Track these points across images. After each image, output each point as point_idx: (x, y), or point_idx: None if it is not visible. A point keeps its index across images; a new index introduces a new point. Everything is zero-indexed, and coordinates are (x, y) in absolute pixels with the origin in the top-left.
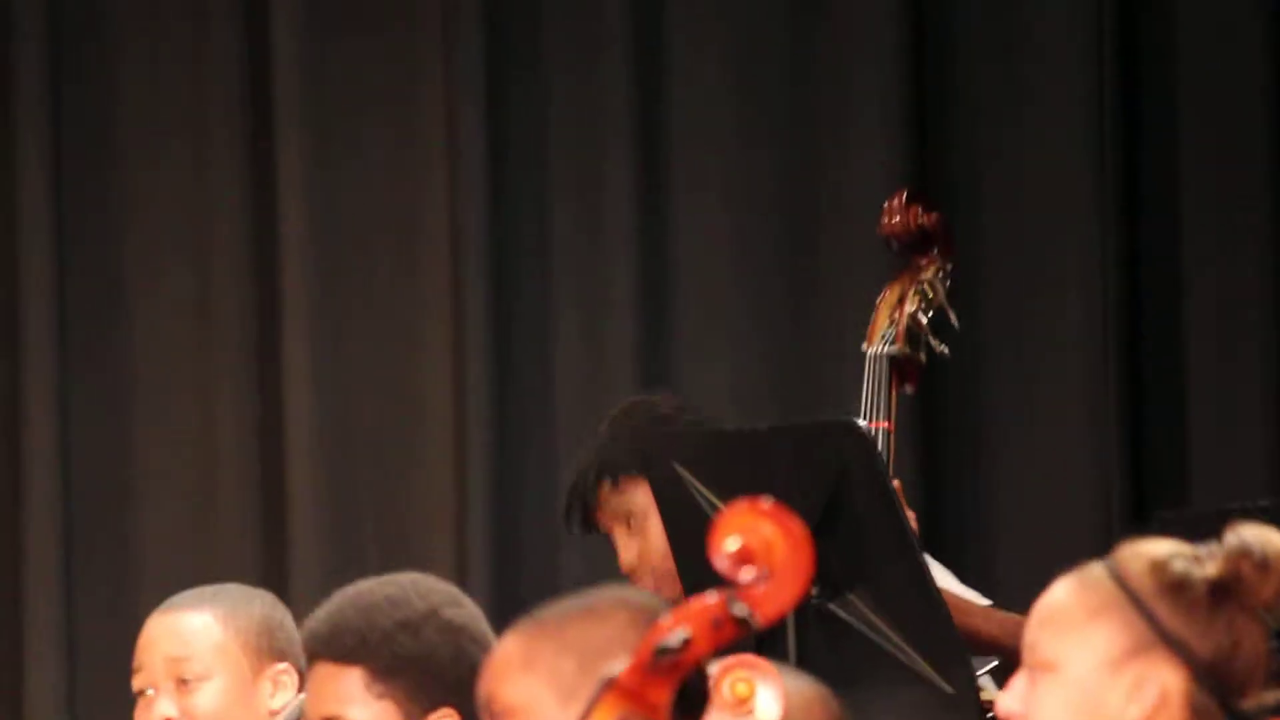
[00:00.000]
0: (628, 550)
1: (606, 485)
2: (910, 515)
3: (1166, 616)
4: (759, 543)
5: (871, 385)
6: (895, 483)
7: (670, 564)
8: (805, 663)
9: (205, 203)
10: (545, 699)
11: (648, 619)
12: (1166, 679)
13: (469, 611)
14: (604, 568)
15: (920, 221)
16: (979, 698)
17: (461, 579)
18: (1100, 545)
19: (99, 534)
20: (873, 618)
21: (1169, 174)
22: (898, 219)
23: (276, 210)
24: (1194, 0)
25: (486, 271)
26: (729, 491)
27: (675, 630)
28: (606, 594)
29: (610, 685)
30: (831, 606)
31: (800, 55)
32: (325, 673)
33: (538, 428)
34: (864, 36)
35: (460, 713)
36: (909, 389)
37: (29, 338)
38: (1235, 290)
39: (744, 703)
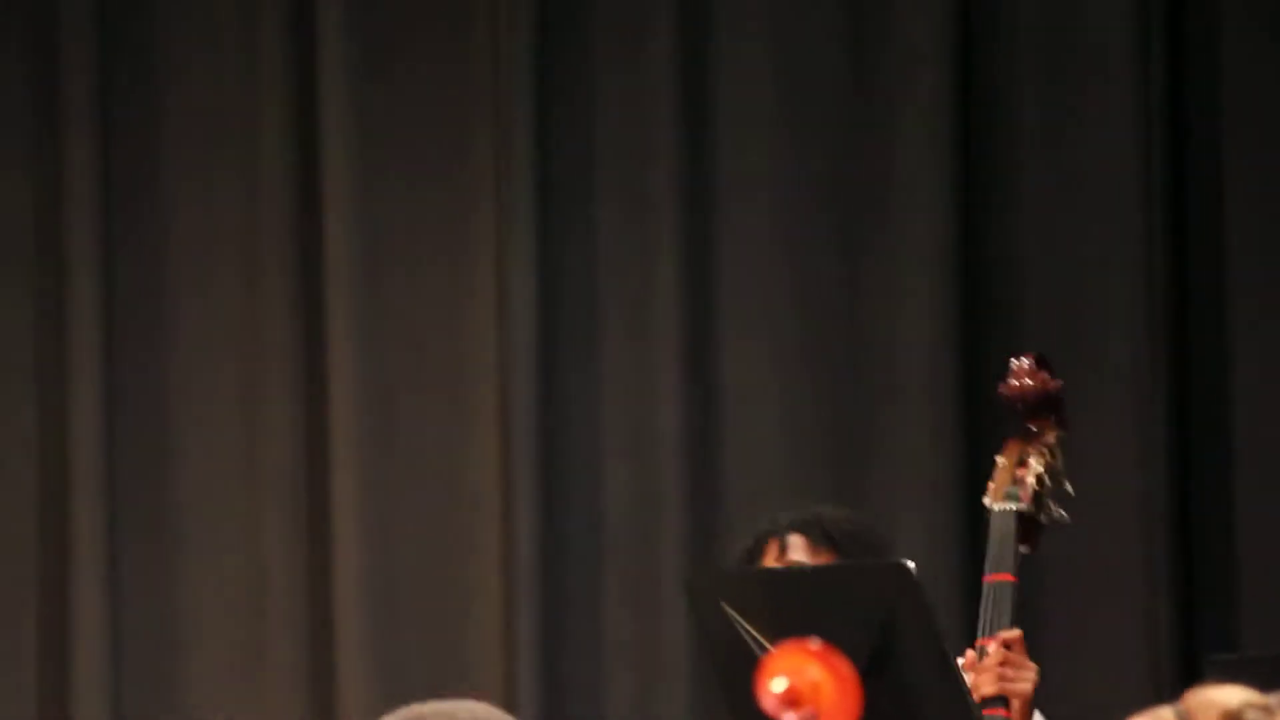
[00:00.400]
0: None
1: (797, 539)
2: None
3: None
4: (806, 684)
5: (997, 540)
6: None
7: None
8: None
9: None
10: None
11: None
12: None
13: None
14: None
15: (1048, 387)
16: None
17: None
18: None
19: (146, 679)
20: None
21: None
22: (1027, 382)
23: (326, 348)
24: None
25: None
26: (776, 631)
27: None
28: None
29: None
30: None
31: (851, 71)
32: None
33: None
34: (915, 43)
35: None
36: (1025, 549)
37: (76, 470)
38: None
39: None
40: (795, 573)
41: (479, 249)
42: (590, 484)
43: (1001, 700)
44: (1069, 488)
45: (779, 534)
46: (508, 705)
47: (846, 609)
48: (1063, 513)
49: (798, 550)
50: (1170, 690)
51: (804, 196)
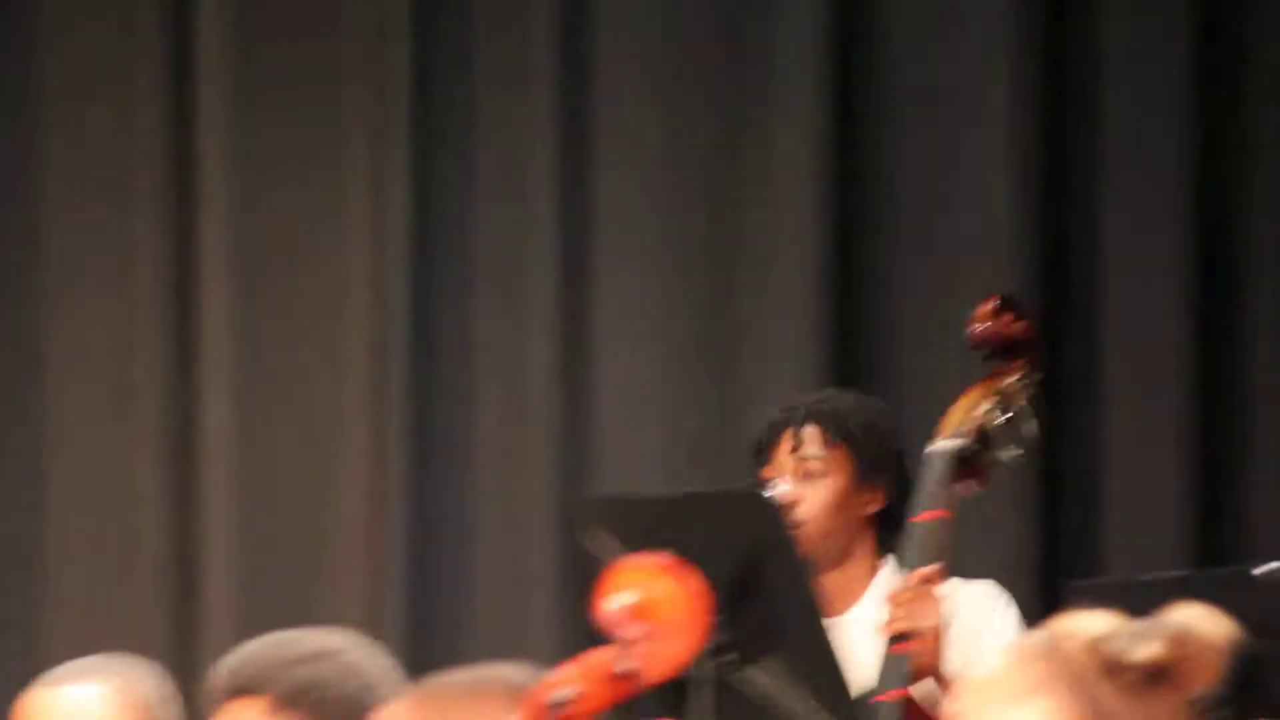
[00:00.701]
0: (797, 496)
1: (812, 430)
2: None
3: (1106, 698)
4: (652, 599)
5: (932, 477)
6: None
7: (821, 521)
8: None
9: (125, 267)
10: None
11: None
12: None
13: (374, 658)
14: (512, 619)
15: (1010, 330)
16: None
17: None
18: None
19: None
20: (778, 687)
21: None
22: (987, 325)
23: (200, 276)
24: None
25: (409, 344)
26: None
27: (567, 684)
28: (492, 673)
29: None
30: (743, 674)
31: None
32: (227, 712)
33: (455, 489)
34: (788, 42)
35: None
36: (976, 487)
37: None
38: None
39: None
40: (664, 499)
41: (356, 325)
42: (462, 409)
43: (907, 637)
44: (1035, 429)
45: (795, 425)
46: (374, 630)
47: (714, 536)
48: (1017, 452)
49: (813, 443)
50: (1033, 618)
51: (682, 221)
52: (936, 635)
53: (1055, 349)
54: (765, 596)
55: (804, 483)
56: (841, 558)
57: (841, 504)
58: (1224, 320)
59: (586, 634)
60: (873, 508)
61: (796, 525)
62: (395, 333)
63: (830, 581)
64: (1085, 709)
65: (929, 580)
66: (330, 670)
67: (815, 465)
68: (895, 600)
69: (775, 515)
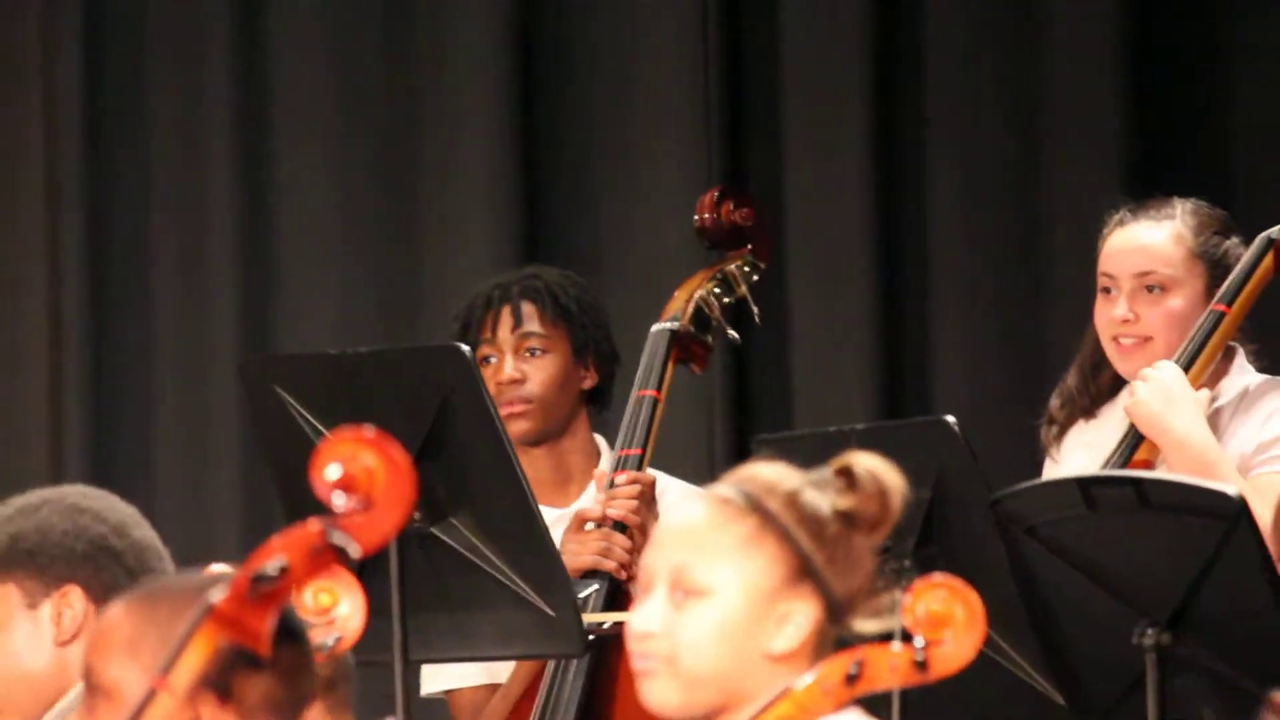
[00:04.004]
0: (521, 373)
1: (530, 307)
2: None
3: (812, 551)
4: (360, 471)
5: (648, 357)
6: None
7: (547, 398)
8: (407, 585)
9: None
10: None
11: None
12: (810, 612)
13: (98, 497)
14: (195, 483)
15: (731, 218)
16: (581, 620)
17: None
18: (703, 467)
19: None
20: (475, 542)
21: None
22: (708, 215)
23: None
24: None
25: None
26: (331, 416)
27: (273, 558)
28: (215, 577)
29: (209, 613)
30: (434, 531)
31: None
32: None
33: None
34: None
35: (85, 589)
36: (696, 369)
37: None
38: (834, 222)
39: (325, 612)
40: (350, 356)
41: (29, 219)
42: (140, 263)
43: (621, 526)
44: (755, 312)
45: (511, 301)
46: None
47: (402, 391)
48: (733, 333)
49: (532, 321)
50: (719, 469)
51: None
52: (645, 533)
53: None
54: (457, 453)
55: (525, 360)
56: (561, 435)
57: (563, 381)
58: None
59: (281, 496)
60: (587, 384)
61: (525, 402)
62: (68, 197)
63: (552, 462)
64: (792, 559)
65: (646, 487)
66: (44, 518)
67: (536, 342)
68: (611, 495)
69: (469, 367)
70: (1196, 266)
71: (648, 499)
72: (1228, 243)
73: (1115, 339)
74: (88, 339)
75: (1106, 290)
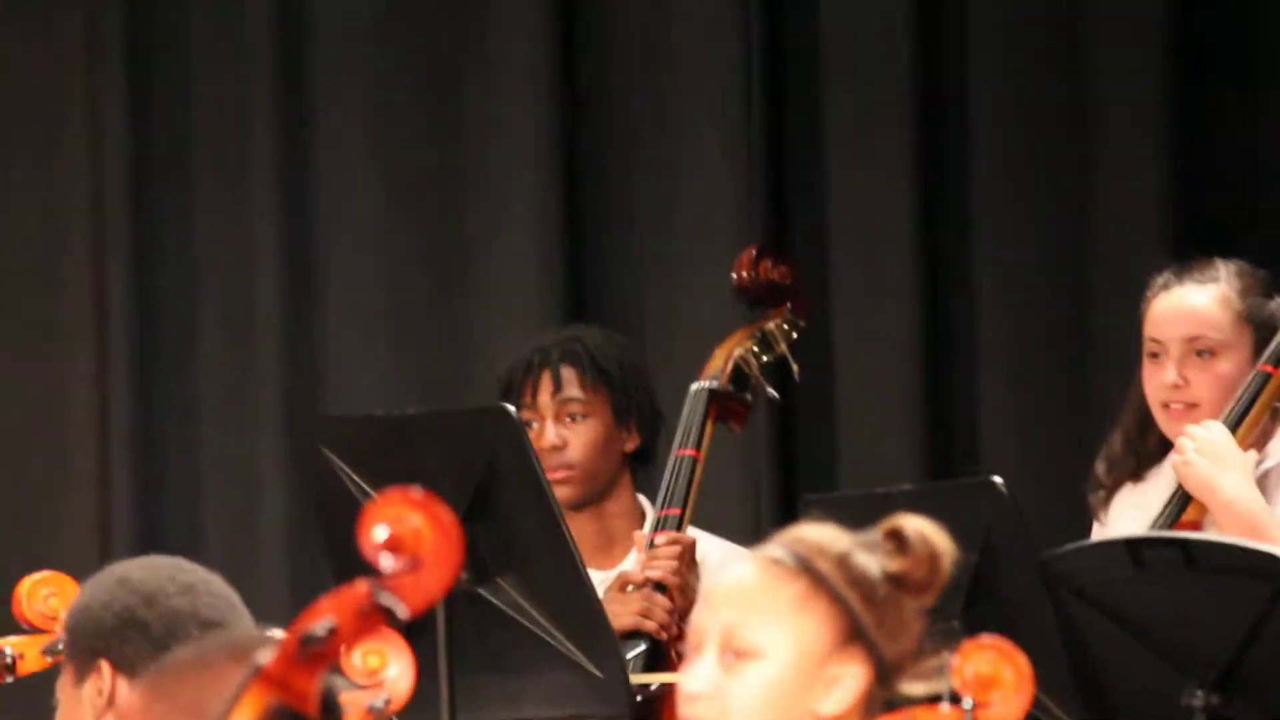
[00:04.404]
0: (562, 439)
1: (570, 372)
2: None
3: (863, 613)
4: (407, 532)
5: (687, 416)
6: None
7: (589, 463)
8: (455, 646)
9: None
10: None
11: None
12: (859, 674)
13: (149, 566)
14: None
15: (770, 275)
16: (628, 681)
17: None
18: (749, 526)
19: None
20: (522, 602)
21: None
22: (746, 274)
23: None
24: None
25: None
26: (379, 477)
27: (321, 619)
28: (220, 641)
29: (257, 675)
30: (481, 591)
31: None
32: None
33: (180, 435)
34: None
35: (112, 664)
36: (735, 428)
37: None
38: (881, 281)
39: (374, 674)
40: (396, 417)
41: (77, 260)
42: (187, 327)
43: (662, 587)
44: (795, 370)
45: (551, 366)
46: (101, 555)
47: (449, 452)
48: (772, 391)
49: (572, 385)
50: (765, 529)
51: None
52: (685, 594)
53: None
54: (504, 513)
55: (566, 426)
56: (604, 498)
57: (604, 445)
58: (949, 241)
59: (329, 557)
60: (630, 445)
61: (567, 468)
62: (116, 248)
63: (596, 525)
64: (843, 621)
65: (687, 549)
66: (91, 591)
67: (577, 407)
68: (651, 556)
69: (515, 427)
70: (1244, 330)
71: (688, 559)
72: (1272, 304)
73: (1165, 405)
74: (135, 399)
75: (1154, 355)
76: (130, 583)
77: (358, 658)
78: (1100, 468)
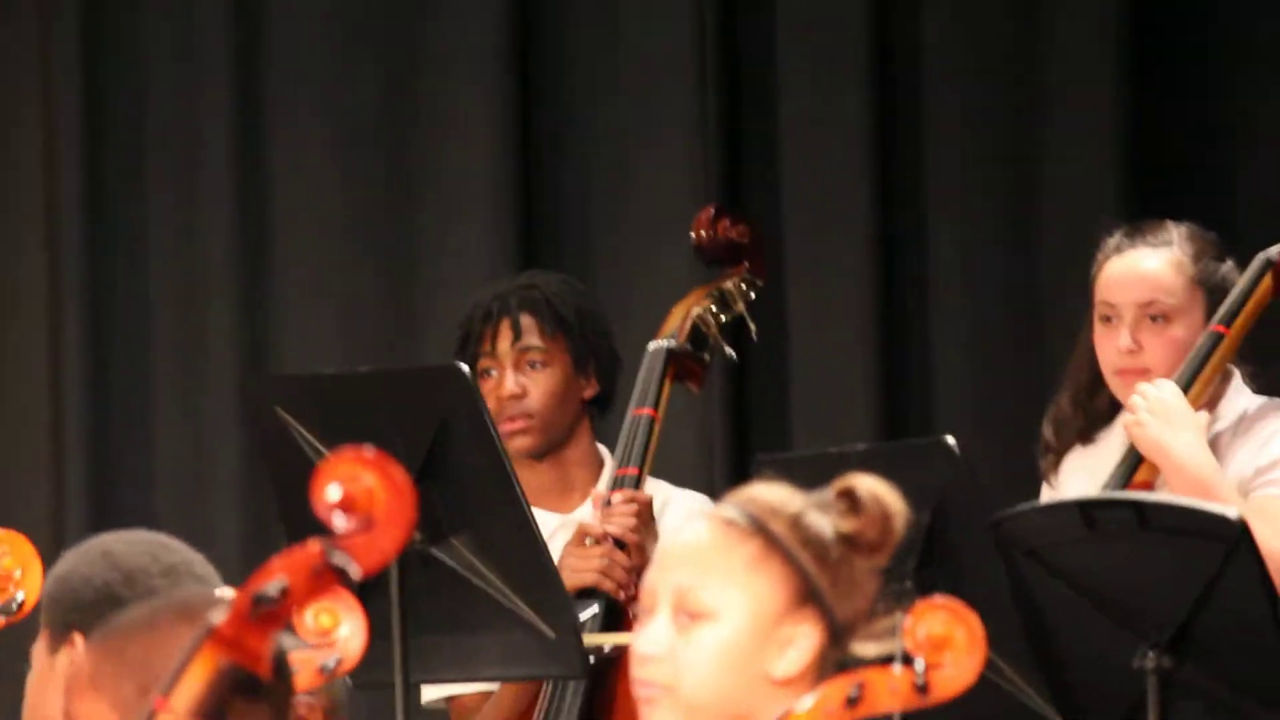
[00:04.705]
0: (522, 388)
1: (529, 320)
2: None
3: (816, 575)
4: (360, 492)
5: (644, 375)
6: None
7: (549, 412)
8: (408, 606)
9: None
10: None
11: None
12: (812, 635)
13: (131, 542)
14: (195, 501)
15: (728, 235)
16: (581, 642)
17: None
18: (703, 485)
19: None
20: (475, 562)
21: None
22: (704, 233)
23: None
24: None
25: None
26: (332, 436)
27: (274, 579)
28: (171, 602)
29: (209, 634)
30: (435, 551)
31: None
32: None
33: (135, 406)
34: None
35: (87, 638)
36: (693, 388)
37: None
38: (836, 245)
39: (326, 634)
40: (350, 376)
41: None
42: (138, 298)
43: (620, 545)
44: (752, 330)
45: (510, 314)
46: (55, 520)
47: (403, 411)
48: (730, 351)
49: (532, 334)
50: (719, 487)
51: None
52: (643, 552)
53: None
54: (458, 473)
55: (526, 374)
56: (564, 446)
57: (564, 393)
58: (904, 203)
59: (282, 516)
60: (589, 393)
61: (527, 417)
62: (69, 222)
63: (555, 473)
64: (796, 583)
65: (644, 507)
66: (73, 562)
67: (537, 356)
68: (608, 513)
69: (469, 386)
70: (1197, 293)
71: (645, 518)
72: (1224, 267)
73: (1118, 371)
74: (87, 362)
75: (1107, 319)
76: (113, 557)
77: (310, 617)
78: (1048, 430)
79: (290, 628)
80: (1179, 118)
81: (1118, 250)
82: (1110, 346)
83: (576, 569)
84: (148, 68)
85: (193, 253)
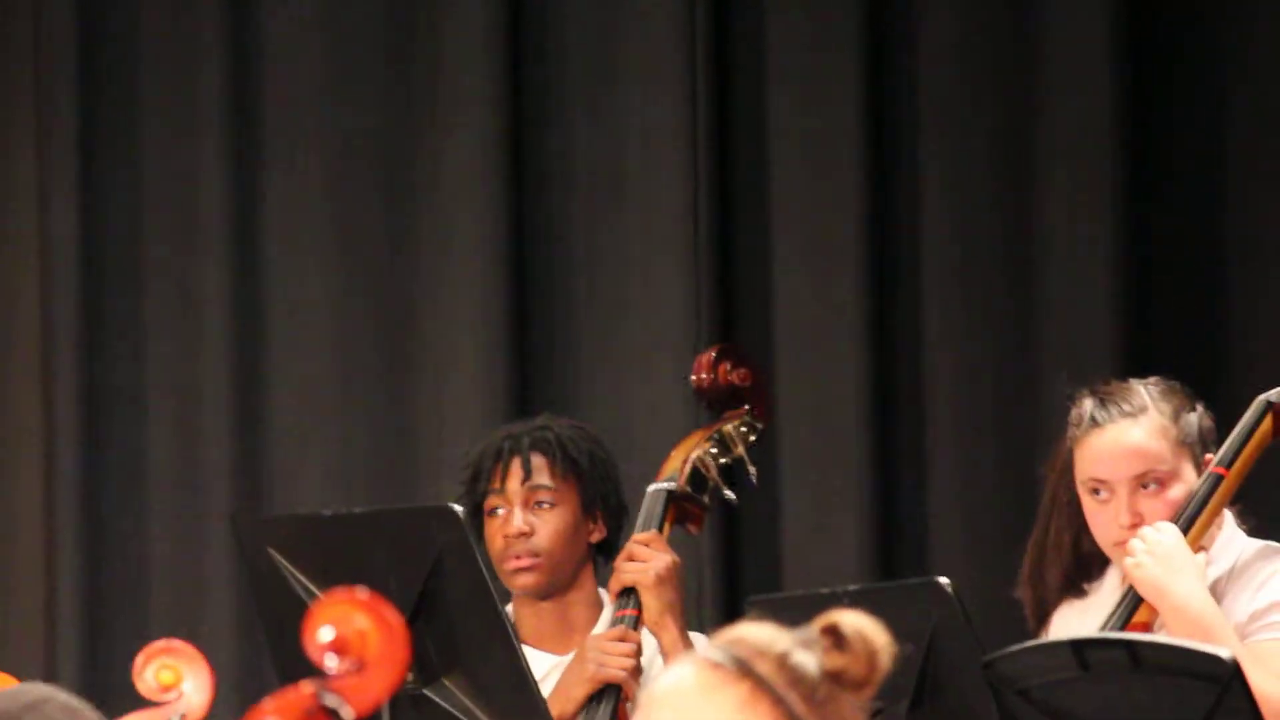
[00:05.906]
0: (530, 526)
1: (540, 460)
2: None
3: (805, 715)
4: (353, 634)
5: (644, 518)
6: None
7: (555, 552)
8: None
9: None
10: None
11: None
12: None
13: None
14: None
15: (729, 379)
16: None
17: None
18: (691, 625)
19: None
20: (468, 703)
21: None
22: (705, 376)
23: None
24: None
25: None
26: (325, 577)
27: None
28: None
29: None
30: (427, 692)
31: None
32: None
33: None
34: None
35: None
36: (693, 530)
37: None
38: (828, 377)
39: (169, 689)
40: (342, 517)
41: (23, 338)
42: (135, 427)
43: (631, 595)
44: (751, 473)
45: (522, 453)
46: (47, 658)
47: (395, 551)
48: (730, 494)
49: (542, 474)
50: (709, 629)
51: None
52: (655, 588)
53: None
54: (450, 613)
55: (534, 513)
56: (568, 589)
57: (571, 534)
58: (899, 332)
59: (274, 657)
60: (595, 536)
61: (533, 556)
62: (64, 338)
63: (557, 614)
64: None
65: (651, 541)
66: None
67: (546, 495)
68: (615, 565)
69: (459, 526)
70: (1183, 452)
71: (640, 555)
72: (1196, 415)
73: (1119, 542)
74: (83, 491)
75: (1096, 493)
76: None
77: (150, 674)
78: (1027, 594)
79: None
80: (1181, 89)
81: (1095, 424)
82: (1108, 521)
83: (603, 663)
84: (145, 154)
85: (189, 377)
